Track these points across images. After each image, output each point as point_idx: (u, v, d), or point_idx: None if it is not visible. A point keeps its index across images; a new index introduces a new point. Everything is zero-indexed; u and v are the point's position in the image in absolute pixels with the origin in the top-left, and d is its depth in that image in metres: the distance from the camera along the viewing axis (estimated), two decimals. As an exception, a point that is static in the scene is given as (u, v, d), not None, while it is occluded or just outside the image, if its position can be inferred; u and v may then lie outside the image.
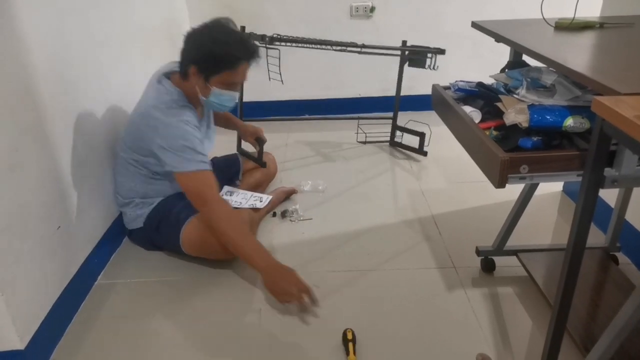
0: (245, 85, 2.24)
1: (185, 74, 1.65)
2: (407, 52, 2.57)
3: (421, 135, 2.58)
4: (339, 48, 2.50)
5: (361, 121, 2.84)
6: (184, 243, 1.73)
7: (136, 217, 1.82)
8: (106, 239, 1.83)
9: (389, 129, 2.78)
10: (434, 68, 2.48)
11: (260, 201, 1.97)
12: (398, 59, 3.29)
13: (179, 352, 1.43)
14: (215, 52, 1.58)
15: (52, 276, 1.47)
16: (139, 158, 1.74)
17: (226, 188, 2.04)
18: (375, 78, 3.23)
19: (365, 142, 2.81)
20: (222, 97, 1.68)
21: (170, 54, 1.93)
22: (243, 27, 2.49)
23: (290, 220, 2.06)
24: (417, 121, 2.71)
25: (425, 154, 2.59)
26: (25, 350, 1.31)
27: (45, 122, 1.46)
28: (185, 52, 1.64)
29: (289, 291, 1.51)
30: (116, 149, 1.87)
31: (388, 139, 2.80)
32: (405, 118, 2.77)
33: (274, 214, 2.10)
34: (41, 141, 1.44)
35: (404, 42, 2.57)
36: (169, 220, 1.76)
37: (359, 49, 2.46)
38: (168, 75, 1.73)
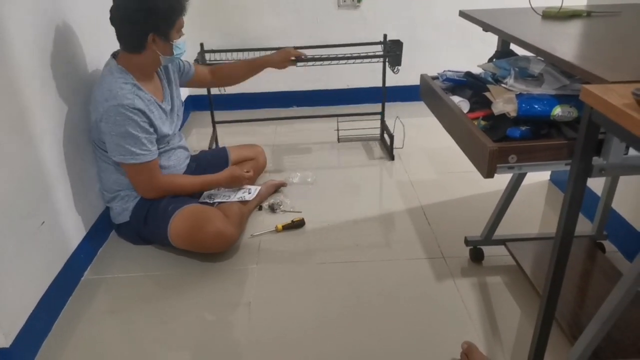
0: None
1: (142, 46, 1.64)
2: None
3: (391, 138, 2.50)
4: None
5: (350, 116, 2.79)
6: (172, 236, 1.71)
7: (122, 211, 1.79)
8: (92, 233, 1.80)
9: (376, 123, 2.74)
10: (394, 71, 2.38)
11: (249, 193, 1.95)
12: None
13: (167, 347, 1.42)
14: (163, 8, 1.60)
15: (37, 272, 1.45)
16: (103, 148, 1.70)
17: None
18: (364, 68, 3.22)
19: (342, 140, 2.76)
20: (180, 45, 1.72)
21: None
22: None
23: (282, 211, 2.05)
24: (401, 119, 2.68)
25: (392, 158, 2.50)
26: (11, 348, 1.28)
27: (27, 117, 1.43)
28: (139, 27, 1.61)
29: (242, 181, 1.94)
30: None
31: (371, 134, 2.76)
32: (393, 109, 2.76)
33: (260, 208, 2.09)
34: (23, 136, 1.41)
35: (385, 36, 2.53)
36: (156, 213, 1.74)
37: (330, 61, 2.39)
38: (114, 54, 1.73)
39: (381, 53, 2.45)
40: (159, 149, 1.75)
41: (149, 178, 1.72)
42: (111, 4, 1.64)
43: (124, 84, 1.63)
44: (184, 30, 1.72)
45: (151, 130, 1.69)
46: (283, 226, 1.94)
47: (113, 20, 1.65)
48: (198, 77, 2.06)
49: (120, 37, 1.66)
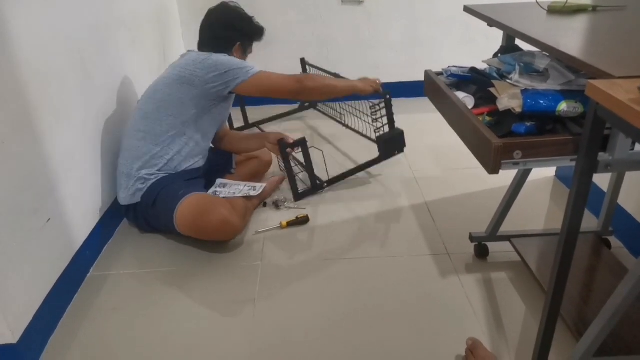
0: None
1: (229, 50, 1.95)
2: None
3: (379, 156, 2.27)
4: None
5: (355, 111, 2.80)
6: (178, 220, 1.72)
7: (136, 192, 1.81)
8: (98, 230, 1.81)
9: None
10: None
11: (254, 190, 1.96)
12: (390, 47, 3.29)
13: (173, 344, 1.42)
14: (252, 27, 2.00)
15: (43, 269, 1.46)
16: (173, 110, 1.81)
17: (219, 181, 2.03)
18: (367, 64, 3.21)
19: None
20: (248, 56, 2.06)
21: (160, 42, 1.90)
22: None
23: (287, 207, 2.06)
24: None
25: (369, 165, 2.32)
26: (18, 344, 1.29)
27: (31, 113, 1.44)
28: (227, 37, 1.94)
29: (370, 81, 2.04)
30: (135, 118, 1.88)
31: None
32: (398, 105, 2.75)
33: (264, 204, 2.09)
34: (28, 133, 1.42)
35: (379, 139, 2.22)
36: (166, 195, 1.77)
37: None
38: None
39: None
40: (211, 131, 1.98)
41: (278, 75, 1.87)
42: (116, 8, 1.65)
43: None
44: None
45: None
46: (287, 223, 1.94)
47: (210, 24, 1.96)
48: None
49: (213, 38, 1.95)
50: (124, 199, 1.85)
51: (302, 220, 1.96)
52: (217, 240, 1.78)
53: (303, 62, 2.82)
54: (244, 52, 2.02)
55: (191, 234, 1.77)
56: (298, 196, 2.11)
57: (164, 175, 1.83)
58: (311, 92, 1.95)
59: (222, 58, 1.82)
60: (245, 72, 1.81)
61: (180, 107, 1.81)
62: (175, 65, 1.89)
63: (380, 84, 2.08)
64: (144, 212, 1.83)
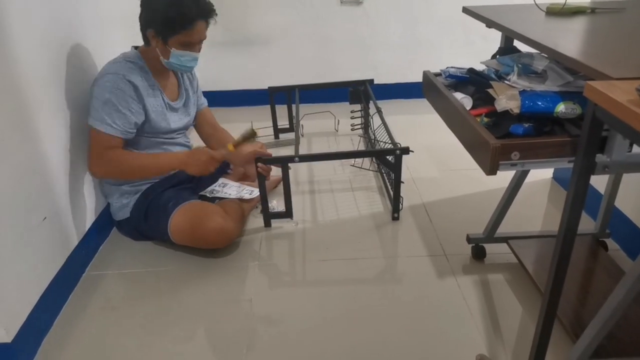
0: (239, 73, 2.23)
1: (146, 39, 1.68)
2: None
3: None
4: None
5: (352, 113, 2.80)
6: (173, 232, 1.71)
7: (122, 207, 1.79)
8: (94, 229, 1.80)
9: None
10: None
11: (250, 194, 1.95)
12: (389, 47, 3.29)
13: (168, 344, 1.42)
14: (170, 13, 1.57)
15: (38, 268, 1.45)
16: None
17: (221, 180, 2.02)
18: (366, 65, 3.21)
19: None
20: (182, 58, 1.68)
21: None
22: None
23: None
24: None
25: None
26: (12, 344, 1.29)
27: (29, 112, 1.43)
28: (142, 17, 1.65)
29: (206, 168, 1.75)
30: None
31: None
32: (396, 106, 2.75)
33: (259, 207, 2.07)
34: (24, 131, 1.41)
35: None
36: (157, 209, 1.74)
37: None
38: (136, 46, 1.77)
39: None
40: (161, 139, 1.79)
41: (102, 150, 1.64)
42: (113, 3, 1.64)
43: (131, 62, 1.69)
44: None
45: (139, 110, 1.67)
46: (234, 144, 1.81)
47: (141, 2, 1.66)
48: (200, 119, 2.03)
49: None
50: (113, 214, 1.85)
51: (249, 135, 1.80)
52: (215, 248, 1.77)
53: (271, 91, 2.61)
54: (165, 43, 1.63)
55: (188, 244, 1.75)
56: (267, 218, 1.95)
57: (148, 184, 1.79)
58: (95, 176, 1.79)
59: (96, 89, 1.61)
60: (93, 118, 1.62)
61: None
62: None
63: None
64: (136, 226, 1.80)
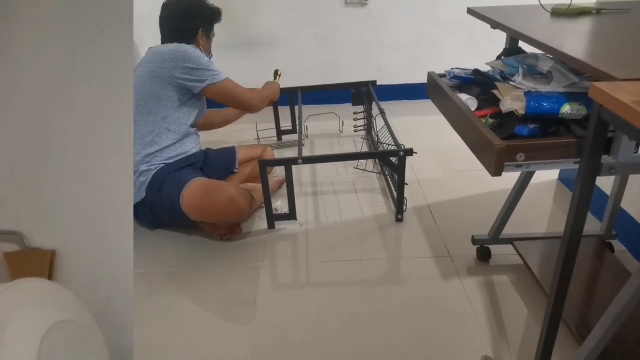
0: (243, 75, 2.24)
1: (193, 38, 1.98)
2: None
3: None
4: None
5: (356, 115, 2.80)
6: (185, 201, 1.74)
7: (140, 187, 1.81)
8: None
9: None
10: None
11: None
12: (394, 48, 3.29)
13: (173, 344, 1.42)
14: (208, 11, 2.02)
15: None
16: (151, 109, 1.84)
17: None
18: (370, 66, 3.22)
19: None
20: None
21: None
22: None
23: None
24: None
25: None
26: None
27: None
28: (194, 23, 1.97)
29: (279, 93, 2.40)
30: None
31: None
32: (401, 107, 2.75)
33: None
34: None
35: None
36: (173, 180, 1.79)
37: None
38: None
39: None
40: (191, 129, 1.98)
41: (242, 89, 1.99)
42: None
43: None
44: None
45: None
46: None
47: (167, 18, 1.95)
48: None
49: (174, 30, 1.95)
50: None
51: (276, 75, 2.43)
52: (224, 222, 1.80)
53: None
54: (208, 38, 2.05)
55: (198, 216, 1.78)
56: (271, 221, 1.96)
57: (163, 165, 1.84)
58: (258, 109, 2.13)
59: (191, 52, 1.84)
60: (213, 76, 1.87)
61: (157, 103, 1.83)
62: (143, 62, 1.89)
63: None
64: (150, 203, 1.83)
